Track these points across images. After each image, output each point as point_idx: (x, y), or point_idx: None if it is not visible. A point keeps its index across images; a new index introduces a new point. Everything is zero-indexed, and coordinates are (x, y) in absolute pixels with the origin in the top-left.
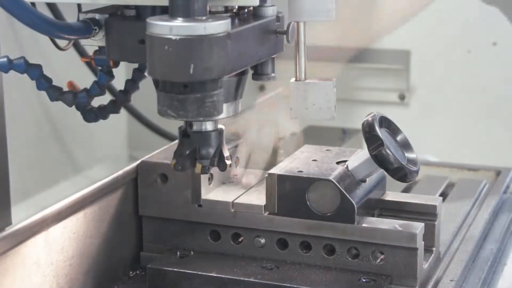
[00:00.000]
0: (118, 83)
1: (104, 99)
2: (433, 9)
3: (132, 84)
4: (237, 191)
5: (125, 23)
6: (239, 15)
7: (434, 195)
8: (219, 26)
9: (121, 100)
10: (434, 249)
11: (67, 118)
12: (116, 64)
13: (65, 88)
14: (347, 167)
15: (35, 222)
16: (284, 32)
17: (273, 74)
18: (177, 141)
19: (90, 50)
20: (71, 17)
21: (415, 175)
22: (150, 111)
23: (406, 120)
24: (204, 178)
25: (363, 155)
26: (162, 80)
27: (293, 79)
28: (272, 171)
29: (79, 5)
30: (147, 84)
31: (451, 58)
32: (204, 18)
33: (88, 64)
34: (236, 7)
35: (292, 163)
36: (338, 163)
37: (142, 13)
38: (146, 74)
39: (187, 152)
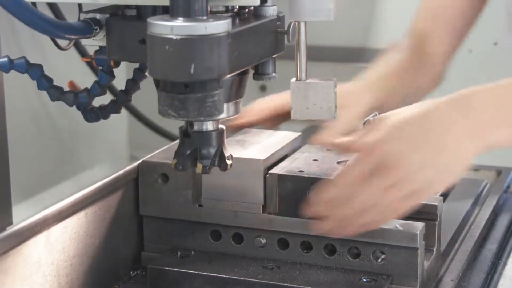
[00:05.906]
0: (119, 83)
1: (105, 99)
2: None
3: (133, 84)
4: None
5: (126, 23)
6: (240, 15)
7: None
8: (220, 26)
9: (122, 100)
10: (434, 249)
11: (68, 118)
12: (117, 64)
13: (66, 88)
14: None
15: (36, 222)
16: (285, 32)
17: (274, 74)
18: (178, 141)
19: (91, 50)
20: (72, 17)
21: None
22: (151, 111)
23: None
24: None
25: None
26: (163, 80)
27: (294, 79)
28: (272, 171)
29: (80, 5)
30: (148, 84)
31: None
32: (205, 18)
33: (89, 64)
34: (237, 7)
35: (293, 163)
36: (338, 163)
37: (143, 13)
38: (147, 74)
39: (188, 152)
